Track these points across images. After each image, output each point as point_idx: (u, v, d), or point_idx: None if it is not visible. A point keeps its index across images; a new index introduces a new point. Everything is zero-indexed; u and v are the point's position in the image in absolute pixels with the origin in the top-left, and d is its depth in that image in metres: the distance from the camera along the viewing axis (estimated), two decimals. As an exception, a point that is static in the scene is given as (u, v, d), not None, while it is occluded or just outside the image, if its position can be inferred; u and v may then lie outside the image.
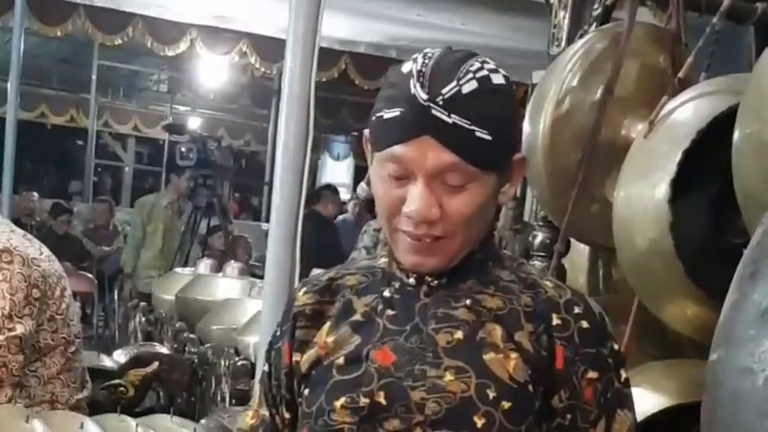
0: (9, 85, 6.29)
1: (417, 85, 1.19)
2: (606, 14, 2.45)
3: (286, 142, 2.38)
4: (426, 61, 1.21)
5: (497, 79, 1.22)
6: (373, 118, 1.25)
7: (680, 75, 2.14)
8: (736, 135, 1.78)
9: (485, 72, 1.21)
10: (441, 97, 1.18)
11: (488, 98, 1.21)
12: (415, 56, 1.24)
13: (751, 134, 1.75)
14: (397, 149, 1.21)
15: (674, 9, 2.32)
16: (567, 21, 2.54)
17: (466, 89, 1.19)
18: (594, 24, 2.45)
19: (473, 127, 1.19)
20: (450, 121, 1.18)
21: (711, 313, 1.66)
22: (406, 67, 1.23)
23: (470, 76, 1.20)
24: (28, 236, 2.60)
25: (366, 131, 1.29)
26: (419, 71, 1.20)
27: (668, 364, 2.18)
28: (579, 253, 2.57)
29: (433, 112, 1.18)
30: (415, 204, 1.21)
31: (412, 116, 1.19)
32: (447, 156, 1.19)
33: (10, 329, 2.37)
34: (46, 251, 2.58)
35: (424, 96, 1.19)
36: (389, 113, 1.21)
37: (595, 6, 2.48)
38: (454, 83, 1.19)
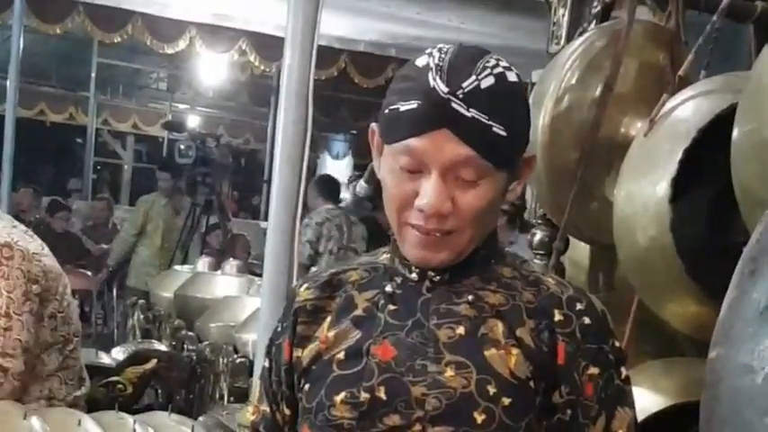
0: (8, 82, 6.30)
1: (437, 78, 1.19)
2: (605, 12, 2.45)
3: (285, 140, 2.39)
4: (443, 56, 1.21)
5: (512, 77, 1.23)
6: (386, 110, 1.24)
7: (680, 73, 2.13)
8: (735, 133, 1.78)
9: (500, 69, 1.22)
10: (461, 91, 1.18)
11: (505, 95, 1.21)
12: (429, 50, 1.24)
13: (750, 132, 1.74)
14: (413, 142, 1.20)
15: (673, 7, 2.31)
16: (566, 19, 2.53)
17: (484, 84, 1.19)
18: (594, 22, 2.44)
19: (490, 122, 1.19)
20: (469, 114, 1.18)
21: (712, 312, 1.65)
22: (421, 61, 1.23)
23: (488, 72, 1.20)
24: (29, 232, 2.60)
25: (374, 125, 1.29)
26: (437, 65, 1.20)
27: (667, 362, 2.18)
28: (581, 251, 2.57)
29: (453, 105, 1.18)
30: (428, 197, 1.21)
31: (430, 109, 1.19)
32: (464, 149, 1.19)
33: (7, 329, 2.36)
34: (46, 248, 2.58)
35: (445, 89, 1.18)
36: (406, 106, 1.21)
37: (595, 4, 2.47)
38: (473, 77, 1.19)
